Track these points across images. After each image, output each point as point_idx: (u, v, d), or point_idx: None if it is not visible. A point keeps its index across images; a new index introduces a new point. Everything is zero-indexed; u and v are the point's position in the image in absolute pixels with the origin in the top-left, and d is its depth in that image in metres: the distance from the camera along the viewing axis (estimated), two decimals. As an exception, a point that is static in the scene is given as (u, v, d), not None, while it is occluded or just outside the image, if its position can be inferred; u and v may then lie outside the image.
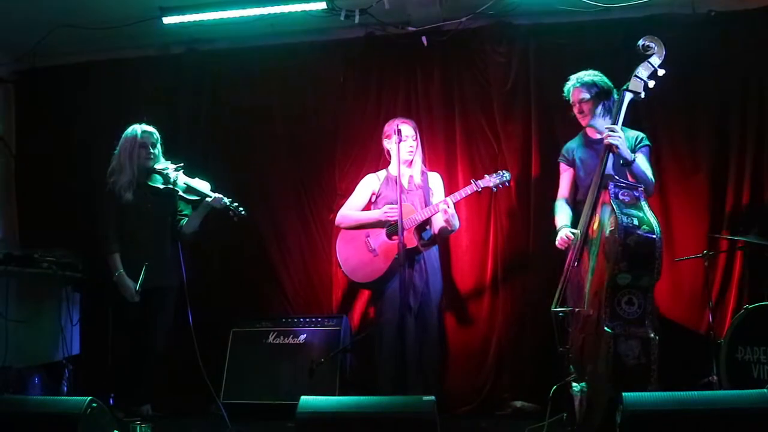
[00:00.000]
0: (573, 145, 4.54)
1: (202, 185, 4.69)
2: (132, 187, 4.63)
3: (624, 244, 3.68)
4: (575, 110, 4.41)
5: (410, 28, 5.48)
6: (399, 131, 4.56)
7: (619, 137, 3.98)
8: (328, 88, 5.69)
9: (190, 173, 4.73)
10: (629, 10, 5.21)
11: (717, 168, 5.15)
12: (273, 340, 5.24)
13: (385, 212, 4.62)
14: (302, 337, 5.21)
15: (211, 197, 4.63)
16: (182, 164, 4.69)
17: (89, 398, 3.17)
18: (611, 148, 3.98)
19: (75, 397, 3.24)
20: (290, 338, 5.22)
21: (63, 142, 5.96)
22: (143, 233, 4.65)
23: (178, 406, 5.13)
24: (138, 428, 4.12)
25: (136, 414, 4.53)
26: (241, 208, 4.65)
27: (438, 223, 4.75)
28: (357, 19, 5.28)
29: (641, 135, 4.28)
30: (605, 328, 3.67)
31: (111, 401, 4.78)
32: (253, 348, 5.23)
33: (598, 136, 4.33)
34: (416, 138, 4.81)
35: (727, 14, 5.22)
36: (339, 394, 4.81)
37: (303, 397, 3.28)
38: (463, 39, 5.48)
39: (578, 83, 4.39)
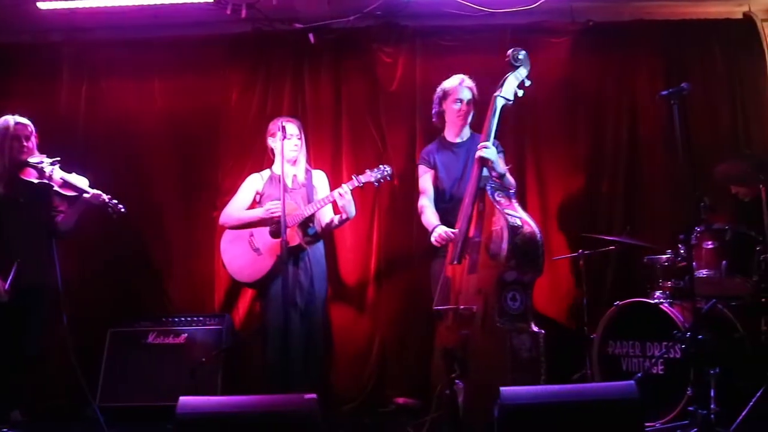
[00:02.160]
0: (432, 148, 4.65)
1: (80, 180, 4.50)
2: (3, 181, 4.39)
3: (512, 242, 3.82)
4: (459, 109, 4.49)
5: (298, 25, 5.45)
6: (283, 129, 4.52)
7: (491, 152, 4.10)
8: (213, 84, 5.59)
9: (66, 168, 4.53)
10: (513, 16, 5.38)
11: (594, 170, 5.42)
12: (153, 340, 5.10)
13: (268, 209, 4.58)
14: (183, 336, 5.09)
15: (88, 193, 4.45)
16: (59, 158, 4.48)
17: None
18: (486, 162, 4.11)
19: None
20: (171, 338, 5.09)
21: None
22: (15, 229, 4.41)
23: (51, 410, 4.93)
24: (6, 435, 3.92)
25: (4, 420, 4.30)
26: (120, 205, 4.49)
27: (325, 218, 4.75)
28: (244, 14, 5.20)
29: (496, 142, 4.36)
30: (498, 324, 3.78)
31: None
32: (131, 348, 5.07)
33: (458, 140, 4.55)
34: (300, 136, 4.79)
35: (604, 24, 5.51)
36: (222, 394, 4.73)
37: (182, 398, 3.20)
38: (351, 38, 5.50)
39: (465, 84, 4.50)
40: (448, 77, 4.61)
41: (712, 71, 5.47)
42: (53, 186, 4.40)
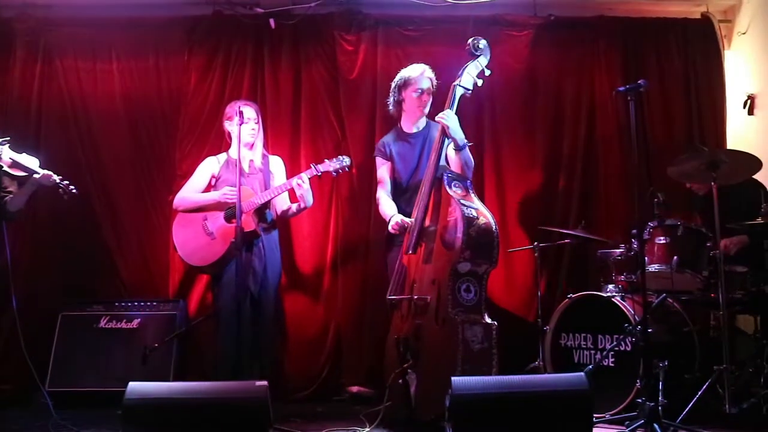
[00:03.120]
0: (388, 140, 4.63)
1: (30, 161, 4.41)
2: (-52, 161, 4.28)
3: (467, 233, 3.84)
4: (418, 98, 4.46)
5: (259, 10, 5.40)
6: (241, 113, 4.46)
7: (452, 119, 4.14)
8: (171, 66, 5.49)
9: (18, 149, 4.43)
10: (476, 8, 5.39)
11: (551, 164, 5.47)
12: (105, 324, 5.02)
13: (224, 194, 4.53)
14: (136, 321, 5.02)
15: (38, 173, 4.37)
16: (8, 138, 4.39)
17: None
18: (445, 129, 4.13)
19: None
20: (123, 323, 5.02)
21: None
22: (-39, 209, 4.32)
23: (-1, 394, 4.83)
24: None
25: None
26: (72, 186, 4.42)
27: (281, 205, 4.72)
28: (205, -4, 5.16)
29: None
30: (451, 314, 3.80)
31: None
32: (83, 333, 4.99)
33: (414, 130, 4.53)
34: (258, 121, 4.73)
35: (566, 19, 5.56)
36: (174, 381, 4.68)
37: (131, 383, 3.18)
38: (312, 24, 5.46)
39: (426, 74, 4.48)
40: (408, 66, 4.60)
41: (670, 69, 5.56)
42: (2, 166, 4.31)
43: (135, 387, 3.17)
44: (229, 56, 5.46)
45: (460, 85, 4.21)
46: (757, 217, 4.21)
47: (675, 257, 4.35)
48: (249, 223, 4.46)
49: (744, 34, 5.55)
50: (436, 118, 4.19)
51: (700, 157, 4.20)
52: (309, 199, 4.64)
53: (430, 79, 4.49)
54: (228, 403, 3.15)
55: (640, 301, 3.89)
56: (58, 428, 4.09)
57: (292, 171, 4.90)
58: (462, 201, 3.97)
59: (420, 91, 4.45)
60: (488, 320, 3.88)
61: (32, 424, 4.30)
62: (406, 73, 4.52)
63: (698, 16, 5.64)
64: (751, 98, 5.46)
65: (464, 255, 3.86)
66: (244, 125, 4.54)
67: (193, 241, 4.60)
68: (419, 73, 4.49)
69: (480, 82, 4.25)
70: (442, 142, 4.18)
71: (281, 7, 5.38)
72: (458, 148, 4.21)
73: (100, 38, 5.50)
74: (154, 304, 5.12)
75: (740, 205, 4.41)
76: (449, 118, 4.14)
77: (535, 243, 4.93)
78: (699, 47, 5.59)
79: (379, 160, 4.63)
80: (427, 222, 4.13)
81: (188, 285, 5.27)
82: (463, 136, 4.23)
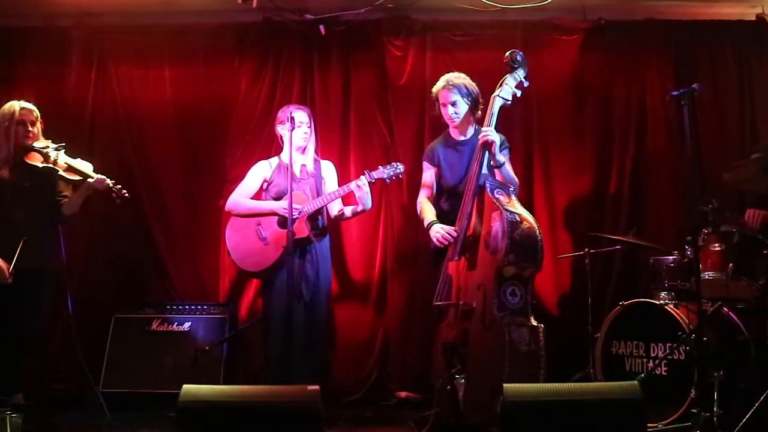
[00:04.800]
0: (436, 146, 4.62)
1: (84, 165, 4.49)
2: (8, 165, 4.39)
3: (511, 237, 3.85)
4: (446, 110, 4.45)
5: (308, 16, 5.44)
6: (292, 118, 4.49)
7: (494, 136, 4.16)
8: (222, 72, 5.56)
9: (73, 154, 4.52)
10: (524, 13, 5.37)
11: (601, 169, 5.40)
12: (156, 327, 5.11)
13: (283, 207, 4.45)
14: (187, 324, 5.10)
15: (93, 178, 4.45)
16: (64, 143, 4.48)
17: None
18: (489, 145, 4.14)
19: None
20: (174, 326, 5.10)
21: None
22: (19, 212, 4.41)
23: (54, 395, 4.94)
24: (8, 419, 3.91)
25: (7, 403, 4.30)
26: (124, 191, 4.49)
27: (333, 210, 4.73)
28: (255, 3, 5.20)
29: (503, 137, 4.38)
30: (497, 317, 3.79)
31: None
32: (135, 335, 5.08)
33: (462, 138, 4.51)
34: (310, 125, 4.75)
35: (615, 23, 5.49)
36: (224, 384, 4.73)
37: (185, 386, 3.21)
38: (361, 30, 5.49)
39: (449, 84, 4.43)
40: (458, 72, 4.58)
41: (723, 73, 5.45)
42: (58, 171, 4.40)
43: (189, 389, 3.19)
44: (279, 62, 5.52)
45: (499, 96, 4.22)
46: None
47: (730, 264, 4.27)
48: (302, 230, 4.48)
49: (799, 36, 5.43)
50: (480, 136, 4.19)
51: (755, 163, 4.11)
52: (368, 202, 4.64)
53: (453, 88, 4.39)
54: (281, 407, 3.16)
55: (694, 309, 3.83)
56: (112, 429, 4.16)
57: (341, 176, 4.92)
58: (505, 206, 3.98)
59: (445, 105, 4.43)
60: (534, 323, 3.87)
61: (86, 424, 4.39)
62: (434, 89, 4.51)
63: (753, 18, 5.50)
64: (805, 102, 5.35)
65: (509, 258, 3.86)
66: (296, 129, 4.58)
67: (246, 245, 4.63)
68: (441, 86, 4.44)
69: (519, 93, 4.26)
70: (484, 152, 4.18)
71: (331, 13, 5.41)
72: (497, 166, 4.23)
73: (152, 45, 5.60)
74: (204, 307, 5.19)
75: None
76: (492, 134, 4.15)
77: (586, 249, 4.87)
78: (754, 50, 5.46)
79: (425, 165, 4.63)
80: (471, 230, 4.14)
81: (239, 289, 5.33)
82: (502, 156, 4.25)
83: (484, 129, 4.20)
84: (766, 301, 4.24)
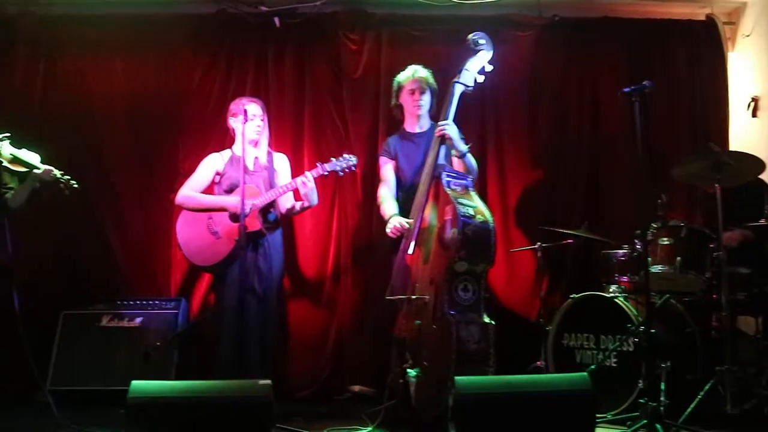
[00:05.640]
0: (393, 140, 4.66)
1: (30, 156, 4.39)
2: (-52, 157, 4.27)
3: (462, 233, 3.81)
4: (415, 98, 4.49)
5: (263, 8, 5.39)
6: (245, 111, 4.45)
7: (452, 129, 4.16)
8: (176, 64, 5.48)
9: (18, 144, 4.41)
10: (480, 8, 5.40)
11: (554, 164, 5.46)
12: (107, 323, 5.01)
13: (236, 204, 4.34)
14: (138, 320, 5.02)
15: (39, 169, 4.35)
16: (8, 134, 4.37)
17: None
18: (444, 138, 4.15)
19: None
20: (125, 321, 5.01)
21: None
22: (-38, 206, 4.30)
23: (0, 394, 4.83)
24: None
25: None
26: (73, 181, 4.40)
27: (285, 204, 4.70)
28: (209, -6, 5.15)
29: (459, 131, 4.39)
30: (447, 314, 3.78)
31: None
32: (84, 332, 4.98)
33: (419, 130, 4.54)
34: (263, 117, 4.72)
35: (570, 20, 5.56)
36: (176, 379, 4.67)
37: (134, 382, 3.18)
38: (316, 23, 5.45)
39: (418, 74, 4.51)
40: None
41: (674, 70, 5.55)
42: (2, 162, 4.30)
43: (138, 385, 3.16)
44: (234, 55, 5.46)
45: (459, 82, 4.20)
46: (761, 219, 4.21)
47: (678, 258, 4.35)
48: (254, 223, 4.44)
49: (748, 36, 5.55)
50: (437, 128, 4.19)
51: (704, 159, 4.19)
52: (314, 198, 4.63)
53: (423, 78, 4.50)
54: (232, 402, 3.14)
55: (643, 302, 3.88)
56: (60, 428, 4.07)
57: (296, 170, 4.90)
58: (459, 200, 3.91)
59: (412, 89, 4.47)
60: (486, 319, 3.84)
61: (34, 423, 4.28)
62: (399, 77, 4.58)
63: (703, 18, 5.62)
64: (754, 100, 5.47)
65: (460, 254, 3.81)
66: (249, 122, 4.54)
67: (198, 240, 4.58)
68: (410, 73, 4.53)
69: (481, 79, 4.23)
70: (440, 143, 4.18)
71: (286, 5, 5.38)
72: (460, 156, 4.24)
73: (104, 36, 5.47)
74: (156, 302, 5.11)
75: (743, 206, 4.40)
76: (450, 127, 4.16)
77: (538, 243, 4.92)
78: (703, 49, 5.57)
79: (383, 159, 4.63)
80: (426, 222, 4.12)
81: (191, 283, 5.26)
82: (463, 144, 4.24)
83: (440, 123, 4.20)
84: (711, 293, 4.34)
